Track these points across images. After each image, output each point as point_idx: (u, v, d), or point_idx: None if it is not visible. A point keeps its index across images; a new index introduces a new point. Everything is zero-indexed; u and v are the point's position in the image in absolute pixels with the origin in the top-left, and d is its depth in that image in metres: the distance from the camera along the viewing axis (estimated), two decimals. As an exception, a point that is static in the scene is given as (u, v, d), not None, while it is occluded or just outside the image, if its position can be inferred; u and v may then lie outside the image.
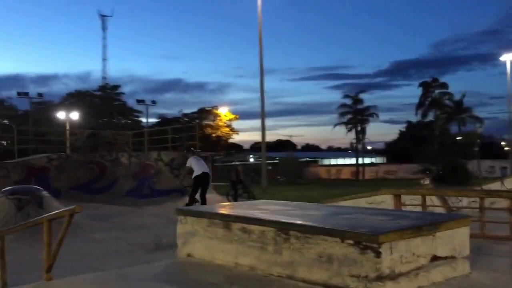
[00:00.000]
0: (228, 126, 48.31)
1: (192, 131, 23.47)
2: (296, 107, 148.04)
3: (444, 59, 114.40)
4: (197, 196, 12.56)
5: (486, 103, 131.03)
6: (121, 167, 18.22)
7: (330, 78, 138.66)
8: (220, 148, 45.89)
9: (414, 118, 58.02)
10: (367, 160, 64.38)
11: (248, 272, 3.93)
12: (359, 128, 55.82)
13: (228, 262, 4.18)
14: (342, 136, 73.06)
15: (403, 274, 3.21)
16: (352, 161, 63.85)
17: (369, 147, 71.17)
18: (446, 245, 3.55)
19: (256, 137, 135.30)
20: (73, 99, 44.67)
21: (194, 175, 12.37)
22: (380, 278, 3.09)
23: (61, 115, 34.84)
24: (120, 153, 19.16)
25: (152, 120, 49.30)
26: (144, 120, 45.42)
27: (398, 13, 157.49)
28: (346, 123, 55.96)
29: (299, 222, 3.76)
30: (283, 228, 3.71)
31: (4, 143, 40.82)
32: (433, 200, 8.87)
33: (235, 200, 17.01)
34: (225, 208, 5.57)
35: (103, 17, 61.24)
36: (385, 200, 8.66)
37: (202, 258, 4.48)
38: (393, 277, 3.15)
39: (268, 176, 30.20)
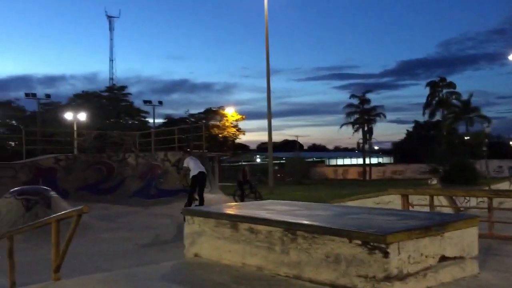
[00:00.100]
0: (235, 126, 48.29)
1: (198, 132, 23.49)
2: (303, 107, 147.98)
3: (451, 59, 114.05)
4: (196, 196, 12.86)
5: (494, 103, 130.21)
6: (128, 168, 18.29)
7: (337, 78, 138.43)
8: (226, 148, 45.89)
9: (422, 118, 57.73)
10: (374, 160, 64.16)
11: (256, 272, 3.93)
12: (366, 128, 55.59)
13: (235, 262, 4.18)
14: (349, 136, 72.52)
15: (411, 274, 3.20)
16: (359, 161, 63.65)
17: (376, 147, 70.92)
18: (455, 246, 3.53)
19: (262, 137, 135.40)
20: (81, 100, 44.83)
21: (191, 175, 12.68)
22: (388, 278, 3.07)
23: (68, 116, 35.00)
24: (127, 154, 19.23)
25: (159, 120, 49.40)
26: (151, 120, 45.51)
27: (405, 13, 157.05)
28: (353, 123, 55.76)
29: (306, 222, 3.76)
30: (290, 228, 3.71)
31: (12, 143, 41.14)
32: (440, 200, 8.83)
33: (242, 200, 17.02)
34: (232, 208, 5.57)
35: (110, 18, 61.73)
36: (392, 200, 8.64)
37: (209, 258, 4.48)
38: (401, 277, 3.13)
39: (275, 176, 30.17)
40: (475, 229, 3.75)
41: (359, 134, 56.24)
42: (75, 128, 31.15)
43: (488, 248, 4.53)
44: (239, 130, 49.23)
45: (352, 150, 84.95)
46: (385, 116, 56.23)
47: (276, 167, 45.72)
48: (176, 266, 4.56)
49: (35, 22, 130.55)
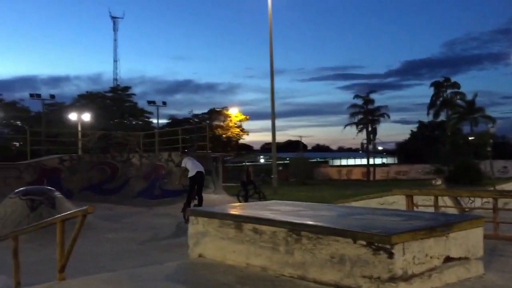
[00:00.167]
0: (239, 126, 48.29)
1: (202, 132, 23.55)
2: (307, 108, 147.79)
3: (455, 59, 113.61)
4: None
5: (498, 103, 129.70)
6: (132, 168, 18.34)
7: (341, 78, 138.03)
8: (230, 148, 45.90)
9: (426, 118, 57.60)
10: (378, 161, 64.03)
11: (260, 272, 3.93)
12: (370, 129, 55.50)
13: (239, 263, 4.18)
14: (353, 136, 72.47)
15: (416, 275, 3.19)
16: (363, 161, 63.51)
17: (380, 148, 70.78)
18: (460, 246, 3.52)
19: (266, 137, 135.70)
20: (85, 100, 44.93)
21: (189, 175, 12.78)
22: (393, 279, 3.07)
23: (73, 116, 35.09)
24: (131, 154, 19.29)
25: (163, 121, 49.35)
26: (154, 121, 45.54)
27: (409, 13, 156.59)
28: (356, 124, 55.68)
29: (310, 222, 3.76)
30: (295, 228, 3.70)
31: (17, 144, 41.29)
32: (445, 201, 8.80)
33: (246, 200, 17.01)
34: (236, 208, 5.57)
35: (114, 18, 61.76)
36: (396, 201, 8.61)
37: (213, 259, 4.48)
38: (406, 278, 3.12)
39: (279, 177, 30.16)
40: (480, 229, 3.73)
41: (363, 134, 56.22)
42: (79, 129, 31.23)
43: (493, 249, 4.52)
44: (243, 130, 49.23)
45: (356, 150, 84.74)
46: (389, 117, 56.17)
47: (280, 168, 45.65)
48: (180, 266, 4.56)
49: (39, 23, 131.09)
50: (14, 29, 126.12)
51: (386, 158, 77.18)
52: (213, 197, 16.43)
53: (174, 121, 48.20)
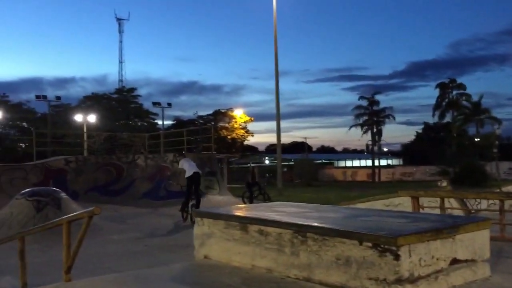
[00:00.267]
0: (243, 128, 48.30)
1: (207, 133, 23.59)
2: (312, 109, 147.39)
3: (461, 60, 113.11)
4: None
5: (504, 104, 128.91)
6: (138, 169, 18.38)
7: (346, 79, 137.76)
8: (235, 150, 45.93)
9: (431, 120, 57.37)
10: (383, 162, 63.86)
11: (265, 274, 3.93)
12: (375, 130, 55.37)
13: (245, 264, 4.18)
14: (358, 137, 72.18)
15: (422, 277, 3.18)
16: (368, 163, 63.36)
17: (385, 149, 70.60)
18: (466, 248, 3.51)
19: (271, 139, 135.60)
20: (90, 102, 45.09)
21: (186, 175, 13.03)
22: (399, 281, 3.06)
23: (78, 117, 35.21)
24: (137, 155, 19.33)
25: (168, 122, 49.47)
26: (160, 122, 45.57)
27: (415, 14, 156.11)
28: (361, 125, 55.54)
29: (316, 224, 3.75)
30: (300, 230, 3.70)
31: (23, 145, 41.50)
32: (451, 203, 8.77)
33: (251, 202, 17.00)
34: (242, 210, 5.57)
35: (119, 20, 61.87)
36: (402, 203, 8.60)
37: (219, 260, 4.49)
38: (412, 280, 3.11)
39: (284, 178, 30.14)
40: (486, 231, 3.72)
41: (368, 135, 56.05)
42: (85, 130, 31.34)
43: (500, 251, 4.49)
44: (247, 131, 49.23)
45: (361, 152, 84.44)
46: (394, 118, 56.01)
47: (285, 169, 45.62)
48: (186, 267, 4.57)
49: (45, 25, 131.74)
50: (20, 31, 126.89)
51: (391, 159, 76.93)
52: (218, 199, 16.45)
53: (179, 123, 48.26)
